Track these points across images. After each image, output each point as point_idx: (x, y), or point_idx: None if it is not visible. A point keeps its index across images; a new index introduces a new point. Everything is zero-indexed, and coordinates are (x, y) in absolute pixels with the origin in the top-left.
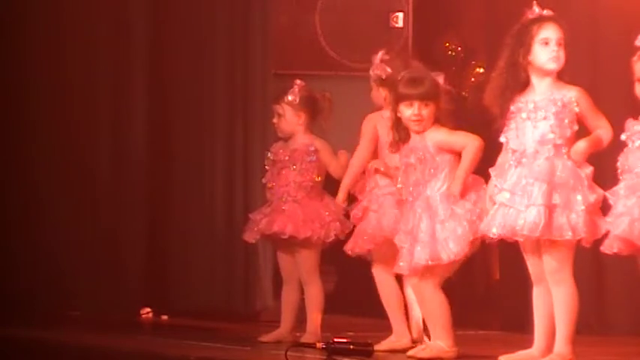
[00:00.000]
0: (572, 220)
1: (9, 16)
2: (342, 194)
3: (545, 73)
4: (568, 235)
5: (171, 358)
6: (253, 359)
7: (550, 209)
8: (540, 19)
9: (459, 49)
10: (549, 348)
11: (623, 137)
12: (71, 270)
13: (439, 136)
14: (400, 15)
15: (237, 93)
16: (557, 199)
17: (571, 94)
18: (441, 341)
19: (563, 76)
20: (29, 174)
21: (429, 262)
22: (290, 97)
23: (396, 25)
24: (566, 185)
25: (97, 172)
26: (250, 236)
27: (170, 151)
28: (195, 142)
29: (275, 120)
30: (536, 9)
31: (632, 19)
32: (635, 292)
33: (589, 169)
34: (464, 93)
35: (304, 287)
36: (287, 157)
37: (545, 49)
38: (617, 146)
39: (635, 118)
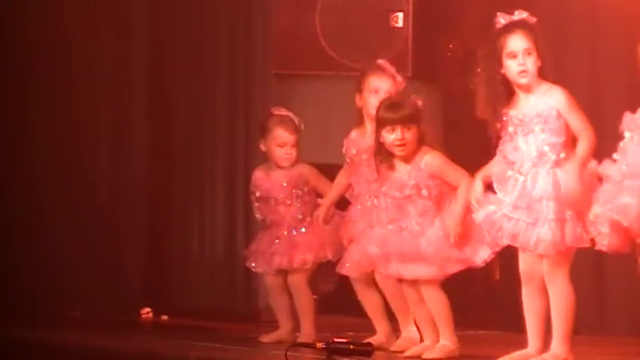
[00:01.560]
0: (589, 226)
1: (9, 16)
2: (322, 212)
3: (519, 86)
4: (587, 242)
5: (171, 358)
6: (253, 359)
7: (562, 223)
8: (506, 30)
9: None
10: (545, 346)
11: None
12: (71, 270)
13: (436, 163)
14: (400, 15)
15: (238, 93)
16: (568, 211)
17: (552, 100)
18: (447, 340)
19: (545, 74)
20: (29, 174)
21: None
22: (297, 122)
23: (396, 25)
24: (574, 195)
25: (97, 172)
26: (261, 268)
27: (170, 150)
28: (195, 142)
29: (290, 151)
30: (501, 19)
31: (632, 19)
32: (635, 292)
33: (594, 164)
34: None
35: (295, 294)
36: (279, 194)
37: (513, 62)
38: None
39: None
